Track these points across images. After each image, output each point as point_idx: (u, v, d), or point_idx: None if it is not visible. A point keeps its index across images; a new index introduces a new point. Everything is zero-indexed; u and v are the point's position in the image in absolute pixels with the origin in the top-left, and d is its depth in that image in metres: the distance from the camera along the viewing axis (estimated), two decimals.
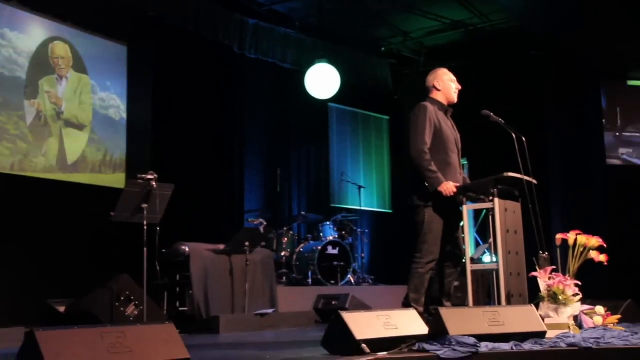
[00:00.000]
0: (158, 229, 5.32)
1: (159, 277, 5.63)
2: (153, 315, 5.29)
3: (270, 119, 9.68)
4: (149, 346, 2.45)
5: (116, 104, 7.60)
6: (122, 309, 5.21)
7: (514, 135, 4.63)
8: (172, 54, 8.04)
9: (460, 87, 4.84)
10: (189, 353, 2.68)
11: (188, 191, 6.72)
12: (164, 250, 5.93)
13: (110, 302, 5.19)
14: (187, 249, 6.09)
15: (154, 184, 5.15)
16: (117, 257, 6.43)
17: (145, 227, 5.13)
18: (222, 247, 6.32)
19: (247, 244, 6.23)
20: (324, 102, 10.19)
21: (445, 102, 4.79)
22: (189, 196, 7.16)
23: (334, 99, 10.16)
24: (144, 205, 5.13)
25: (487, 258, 7.38)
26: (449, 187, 4.44)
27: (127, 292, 5.27)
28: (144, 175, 5.15)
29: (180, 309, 6.17)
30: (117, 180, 7.36)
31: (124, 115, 7.65)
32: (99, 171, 7.35)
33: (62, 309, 5.41)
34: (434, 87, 4.80)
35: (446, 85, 4.78)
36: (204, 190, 8.09)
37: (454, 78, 4.83)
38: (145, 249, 5.09)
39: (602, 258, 4.38)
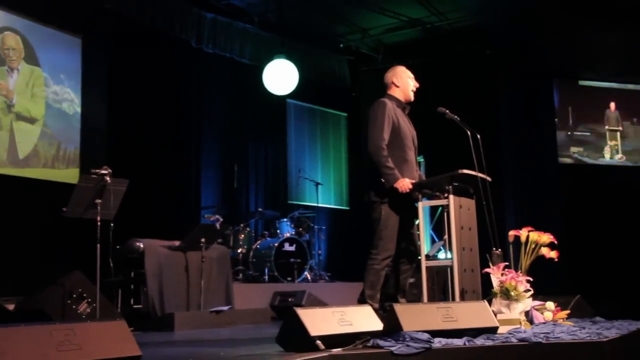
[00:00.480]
0: (112, 224, 5.24)
1: (112, 274, 5.53)
2: (106, 313, 5.21)
3: (227, 115, 9.61)
4: (99, 343, 2.40)
5: (70, 98, 7.45)
6: (74, 306, 5.11)
7: (469, 133, 4.68)
8: (128, 47, 7.90)
9: (417, 85, 4.88)
10: (143, 351, 2.65)
11: (143, 187, 6.63)
12: (117, 247, 5.84)
13: (61, 299, 5.08)
14: (141, 245, 6.01)
15: (107, 179, 5.06)
16: (70, 253, 6.30)
17: (99, 223, 5.05)
18: (177, 243, 6.24)
19: (202, 240, 6.17)
20: (282, 98, 10.17)
21: (403, 100, 4.83)
22: (144, 192, 7.06)
23: (292, 95, 10.14)
24: (98, 201, 5.05)
25: (442, 255, 7.49)
26: (405, 184, 4.47)
27: (80, 290, 5.17)
28: (97, 170, 5.06)
29: (135, 306, 6.09)
30: (70, 175, 7.22)
31: (78, 109, 7.51)
32: (52, 166, 7.20)
33: (11, 307, 5.27)
34: (393, 83, 4.83)
35: (404, 82, 4.82)
36: (159, 185, 7.99)
37: (412, 76, 4.88)
38: (98, 245, 5.00)
39: (553, 254, 4.47)
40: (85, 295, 5.17)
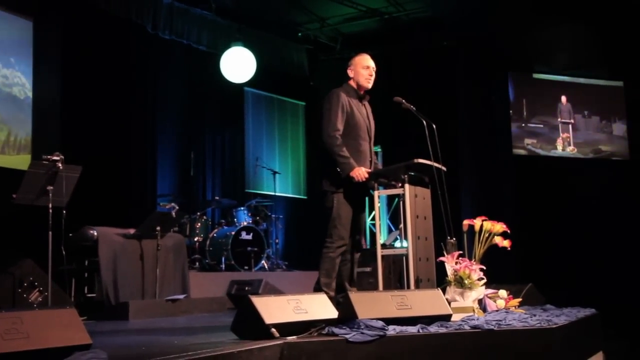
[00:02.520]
0: (64, 212, 5.14)
1: (65, 262, 5.44)
2: (59, 302, 5.12)
3: (184, 102, 9.48)
4: (47, 332, 2.35)
5: (21, 82, 7.26)
6: (25, 295, 5.01)
7: (424, 123, 4.72)
8: (82, 31, 7.75)
9: (373, 74, 4.88)
10: (94, 339, 2.60)
11: (97, 174, 6.53)
12: (70, 235, 5.74)
13: (12, 288, 4.98)
14: (95, 233, 5.91)
15: (60, 165, 4.96)
16: (21, 241, 6.14)
17: (51, 210, 4.95)
18: (132, 231, 6.16)
19: (158, 228, 6.09)
20: (239, 86, 10.10)
21: (357, 89, 4.85)
22: (98, 179, 6.96)
23: (249, 83, 10.08)
24: (49, 188, 4.94)
25: (398, 244, 7.53)
26: (361, 173, 4.50)
27: (31, 278, 5.08)
28: (49, 157, 4.95)
29: (88, 295, 6.00)
30: (21, 161, 7.05)
31: (30, 94, 7.33)
32: (2, 152, 7.03)
33: None
34: (348, 74, 4.87)
35: (357, 71, 4.85)
36: (114, 173, 7.88)
37: (368, 64, 4.87)
38: (50, 232, 4.90)
39: (506, 243, 4.54)
40: (36, 283, 5.08)
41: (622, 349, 7.54)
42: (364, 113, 4.84)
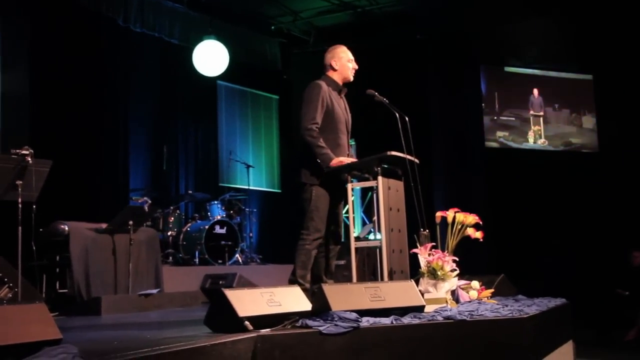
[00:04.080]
0: (34, 207, 5.06)
1: (35, 257, 5.37)
2: (29, 298, 5.04)
3: (157, 96, 9.40)
4: (16, 327, 2.31)
5: None
6: None
7: (397, 115, 4.73)
8: (51, 24, 7.64)
9: (357, 67, 4.89)
10: (65, 335, 2.58)
11: (68, 168, 6.44)
12: (41, 230, 5.66)
13: None
14: (66, 228, 5.84)
15: (29, 159, 4.87)
16: None
17: (20, 205, 4.87)
18: (104, 226, 6.10)
19: (130, 222, 6.04)
20: (212, 80, 10.03)
21: (340, 82, 4.84)
22: (69, 173, 6.88)
23: (222, 77, 10.02)
24: (18, 182, 4.85)
25: (372, 237, 7.56)
26: (342, 162, 4.51)
27: (0, 274, 4.99)
28: (18, 150, 4.86)
29: (60, 290, 5.92)
30: None
31: None
32: None
33: None
34: (331, 66, 4.83)
35: (343, 64, 4.83)
36: (85, 167, 7.79)
37: (351, 57, 4.87)
38: (20, 228, 4.82)
39: (478, 235, 4.57)
40: (6, 280, 4.98)
41: (591, 338, 7.70)
42: (342, 106, 4.84)
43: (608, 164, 10.44)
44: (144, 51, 9.15)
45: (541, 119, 10.93)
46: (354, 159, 4.76)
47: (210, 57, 9.39)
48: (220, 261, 8.19)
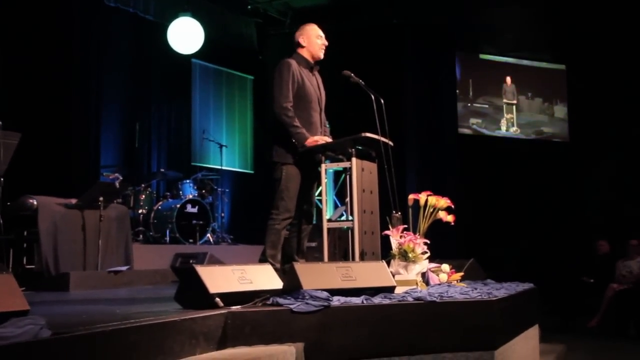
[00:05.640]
0: (2, 179, 4.99)
1: (2, 231, 5.29)
2: None
3: (130, 72, 9.28)
4: None
5: None
6: None
7: (372, 97, 4.72)
8: None
9: (326, 43, 4.86)
10: (33, 309, 2.54)
11: (38, 142, 6.34)
12: (8, 203, 5.57)
13: None
14: (35, 203, 5.74)
15: None
16: None
17: None
18: (74, 201, 6.02)
19: (101, 198, 5.97)
20: (187, 58, 9.93)
21: (310, 59, 4.80)
22: (39, 147, 6.77)
23: (197, 55, 9.93)
24: None
25: (344, 219, 7.57)
26: (317, 142, 4.50)
27: None
28: None
29: (27, 266, 5.85)
30: None
31: None
32: None
33: None
34: (299, 43, 4.80)
35: (311, 41, 4.79)
36: (55, 141, 7.67)
37: (320, 34, 4.83)
38: None
39: (450, 218, 4.60)
40: None
41: (556, 324, 7.84)
42: (314, 83, 4.80)
43: (578, 153, 10.59)
44: (117, 26, 9.02)
45: (514, 107, 11.03)
46: (328, 138, 4.73)
47: (186, 35, 9.30)
48: (191, 240, 8.15)
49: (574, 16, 9.99)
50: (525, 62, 11.14)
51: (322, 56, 4.83)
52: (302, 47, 4.79)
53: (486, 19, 9.98)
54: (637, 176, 9.54)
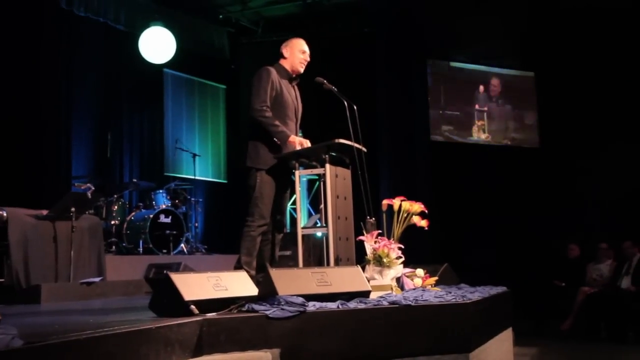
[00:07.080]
0: None
1: None
2: None
3: (101, 82, 9.21)
4: None
5: None
6: None
7: (345, 103, 4.75)
8: None
9: (308, 60, 4.91)
10: (4, 320, 2.51)
11: (7, 152, 6.25)
12: None
13: None
14: (4, 214, 5.64)
15: None
16: None
17: None
18: (45, 212, 5.93)
19: (73, 209, 5.89)
20: (158, 67, 9.90)
21: (290, 71, 4.86)
22: (8, 158, 6.67)
23: (169, 65, 9.89)
24: None
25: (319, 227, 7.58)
26: (301, 141, 4.52)
27: None
28: None
29: None
30: None
31: None
32: None
33: None
34: (282, 54, 4.86)
35: (294, 54, 4.85)
36: (25, 151, 7.57)
37: (305, 49, 4.89)
38: None
39: (424, 223, 4.63)
40: None
41: (529, 328, 7.92)
42: (292, 94, 4.85)
43: (548, 159, 10.72)
44: (88, 36, 8.95)
45: (485, 114, 11.15)
46: (306, 140, 4.74)
47: (157, 44, 9.27)
48: (164, 251, 8.09)
49: (542, 24, 10.15)
50: (495, 69, 11.27)
51: (301, 71, 4.88)
52: (285, 58, 4.86)
53: (457, 27, 10.09)
54: (605, 181, 9.67)
